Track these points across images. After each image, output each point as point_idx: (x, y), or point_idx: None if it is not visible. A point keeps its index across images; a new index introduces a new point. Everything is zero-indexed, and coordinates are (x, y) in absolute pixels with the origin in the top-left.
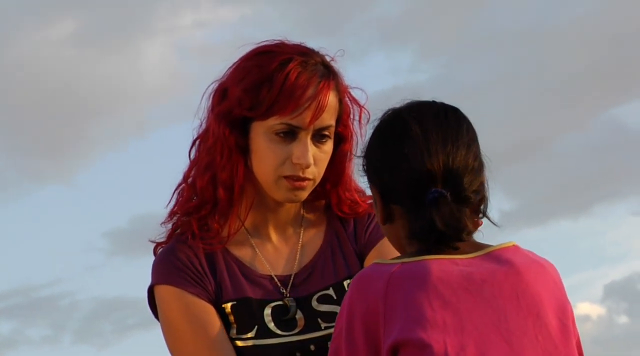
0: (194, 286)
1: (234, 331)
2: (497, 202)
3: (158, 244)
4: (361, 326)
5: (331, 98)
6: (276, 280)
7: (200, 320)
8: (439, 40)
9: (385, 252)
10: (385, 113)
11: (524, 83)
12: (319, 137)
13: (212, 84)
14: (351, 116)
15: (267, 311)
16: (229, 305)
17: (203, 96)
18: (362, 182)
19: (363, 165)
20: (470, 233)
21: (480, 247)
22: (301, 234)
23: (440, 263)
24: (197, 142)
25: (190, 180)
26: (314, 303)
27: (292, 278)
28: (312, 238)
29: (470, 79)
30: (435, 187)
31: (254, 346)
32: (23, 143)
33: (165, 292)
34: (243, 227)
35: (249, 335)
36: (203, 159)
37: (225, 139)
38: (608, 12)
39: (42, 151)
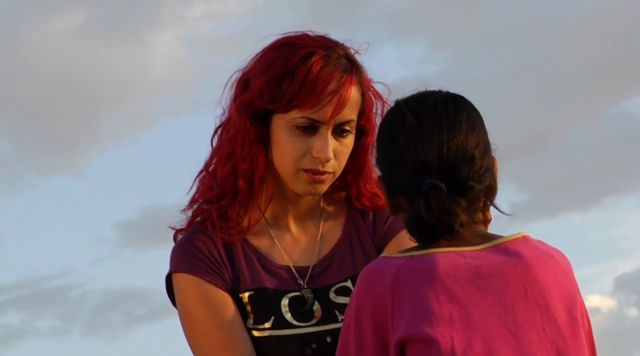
0: (212, 276)
1: (250, 321)
2: (507, 195)
3: (178, 231)
4: (369, 320)
5: (353, 93)
6: (294, 271)
7: (218, 309)
8: (450, 32)
9: (404, 243)
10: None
11: (535, 75)
12: (339, 131)
13: (235, 72)
14: (374, 110)
15: (285, 302)
16: (246, 294)
17: (226, 85)
18: None
19: (375, 158)
20: (464, 225)
21: (489, 238)
22: (320, 226)
23: (447, 256)
24: (219, 131)
25: (211, 168)
26: (332, 295)
27: (310, 270)
28: (331, 230)
29: (481, 71)
30: (431, 178)
31: (270, 336)
32: (32, 135)
33: (183, 280)
34: (263, 218)
35: (266, 325)
36: (224, 149)
37: (246, 131)
38: (618, 4)
39: (51, 143)
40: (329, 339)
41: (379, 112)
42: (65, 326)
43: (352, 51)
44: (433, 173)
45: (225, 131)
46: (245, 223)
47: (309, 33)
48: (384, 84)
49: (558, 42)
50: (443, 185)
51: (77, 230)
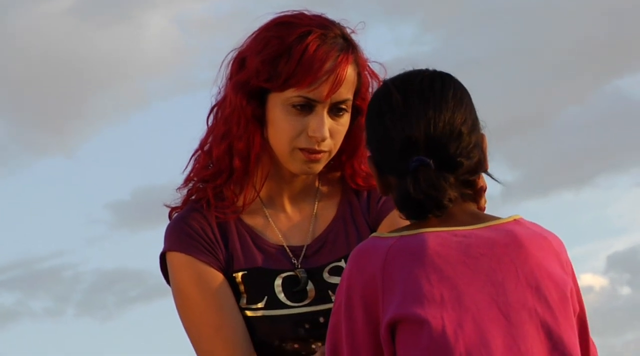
0: (206, 255)
1: (244, 301)
2: (499, 175)
3: (173, 209)
4: (360, 301)
5: (349, 72)
6: (288, 250)
7: (211, 288)
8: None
9: (396, 222)
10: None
11: (526, 55)
12: (336, 110)
13: (231, 52)
14: (370, 89)
15: (278, 281)
16: (239, 274)
17: (222, 64)
18: None
19: (365, 138)
20: (453, 200)
21: (482, 219)
22: (315, 206)
23: (438, 236)
24: (214, 110)
25: (206, 147)
26: (325, 275)
27: (304, 249)
28: (325, 210)
29: (473, 51)
30: (419, 155)
31: (263, 316)
32: (24, 115)
33: (177, 259)
34: (257, 197)
35: (259, 305)
36: (220, 128)
37: (242, 109)
38: None
39: (43, 123)
40: (322, 319)
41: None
42: (59, 307)
43: (348, 30)
44: (420, 150)
45: (221, 110)
46: (240, 202)
47: (305, 12)
48: (380, 64)
49: (550, 21)
50: (431, 162)
51: (70, 210)
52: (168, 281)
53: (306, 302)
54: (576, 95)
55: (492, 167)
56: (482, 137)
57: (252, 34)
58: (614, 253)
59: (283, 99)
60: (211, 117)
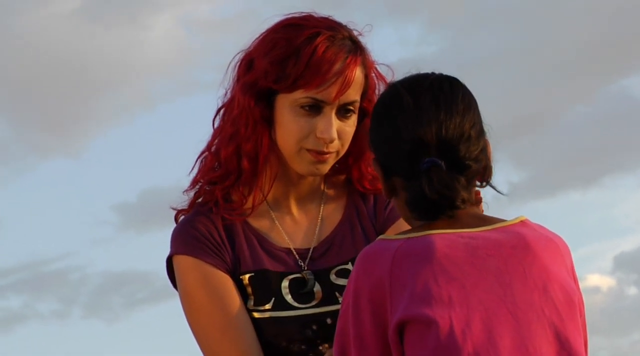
0: (212, 257)
1: (251, 302)
2: (505, 174)
3: (179, 211)
4: (367, 303)
5: (357, 74)
6: (295, 253)
7: (218, 291)
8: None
9: (404, 229)
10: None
11: (533, 55)
12: (343, 111)
13: (238, 53)
14: (376, 91)
15: (285, 283)
16: (246, 276)
17: (229, 65)
18: None
19: (370, 139)
20: (465, 201)
21: (488, 221)
22: (321, 208)
23: (445, 238)
24: (221, 111)
25: (213, 149)
26: (332, 277)
27: (310, 252)
28: (331, 213)
29: (479, 51)
30: (430, 157)
31: (270, 318)
32: (30, 117)
33: (184, 262)
34: (264, 200)
35: (266, 306)
36: (227, 129)
37: (250, 110)
38: None
39: (48, 125)
40: (329, 320)
41: None
42: (66, 309)
43: (356, 33)
44: (432, 152)
45: (229, 111)
46: (249, 204)
47: (313, 14)
48: (387, 66)
49: (556, 21)
50: (442, 163)
51: (76, 212)
52: (174, 286)
53: (313, 304)
54: (583, 95)
55: (498, 167)
56: (486, 142)
57: (260, 36)
58: (621, 254)
59: (291, 100)
60: (217, 118)
